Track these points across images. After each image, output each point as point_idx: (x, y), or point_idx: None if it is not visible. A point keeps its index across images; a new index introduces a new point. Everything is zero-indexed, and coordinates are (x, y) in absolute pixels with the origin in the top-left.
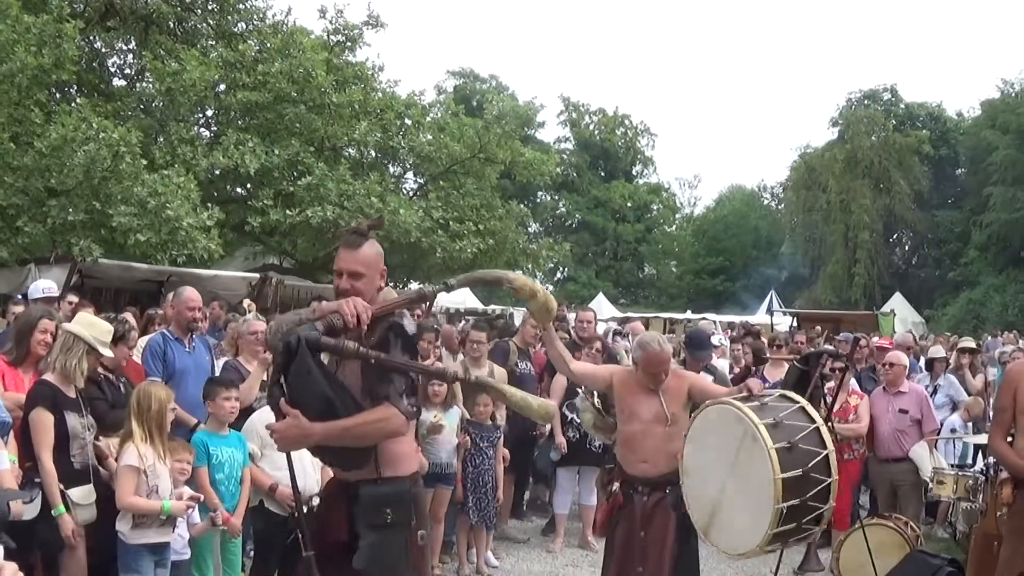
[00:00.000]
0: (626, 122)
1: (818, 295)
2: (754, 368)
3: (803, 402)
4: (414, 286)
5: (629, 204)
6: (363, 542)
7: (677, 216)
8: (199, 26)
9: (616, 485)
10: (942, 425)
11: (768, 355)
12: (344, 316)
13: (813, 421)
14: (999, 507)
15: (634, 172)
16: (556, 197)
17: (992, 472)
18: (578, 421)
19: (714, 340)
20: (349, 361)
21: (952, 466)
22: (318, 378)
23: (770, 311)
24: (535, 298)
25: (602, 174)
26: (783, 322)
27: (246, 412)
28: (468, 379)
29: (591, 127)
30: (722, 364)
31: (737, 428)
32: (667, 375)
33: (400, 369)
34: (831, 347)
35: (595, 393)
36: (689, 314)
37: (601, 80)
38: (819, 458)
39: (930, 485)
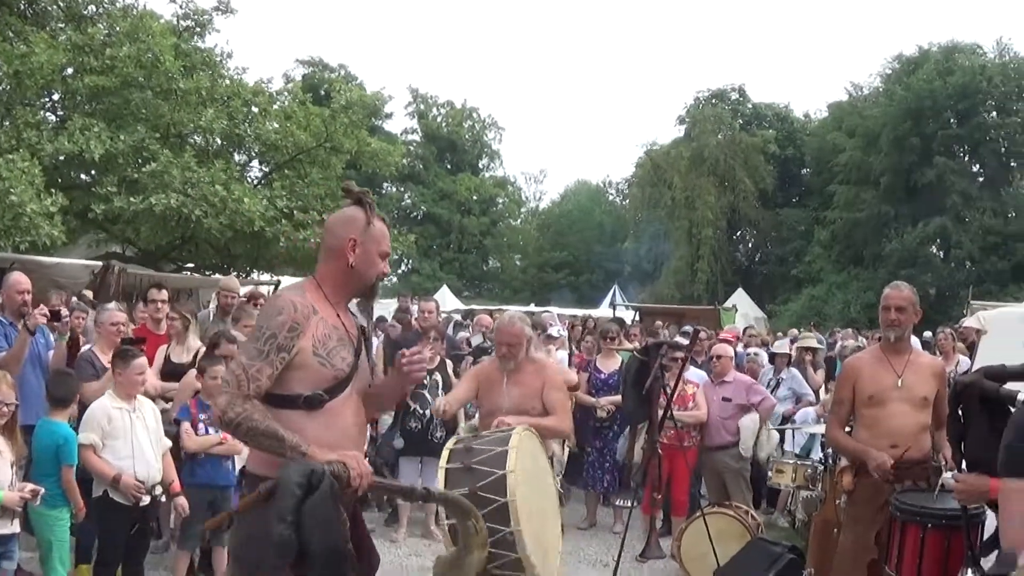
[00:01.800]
0: (474, 115)
1: (661, 290)
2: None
3: (511, 446)
4: (258, 276)
5: (475, 197)
6: None
7: (522, 210)
8: (49, 8)
9: None
10: (794, 417)
11: (602, 346)
12: (352, 476)
13: (505, 495)
14: (838, 495)
15: (480, 165)
16: (402, 188)
17: (831, 461)
18: (421, 411)
19: (553, 332)
20: None
21: (795, 456)
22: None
23: (613, 305)
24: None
25: (448, 166)
26: (626, 316)
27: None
28: (434, 497)
29: (439, 119)
30: (561, 355)
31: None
32: (521, 354)
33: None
34: (674, 339)
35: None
36: (532, 307)
37: (450, 73)
38: (493, 506)
39: (768, 472)
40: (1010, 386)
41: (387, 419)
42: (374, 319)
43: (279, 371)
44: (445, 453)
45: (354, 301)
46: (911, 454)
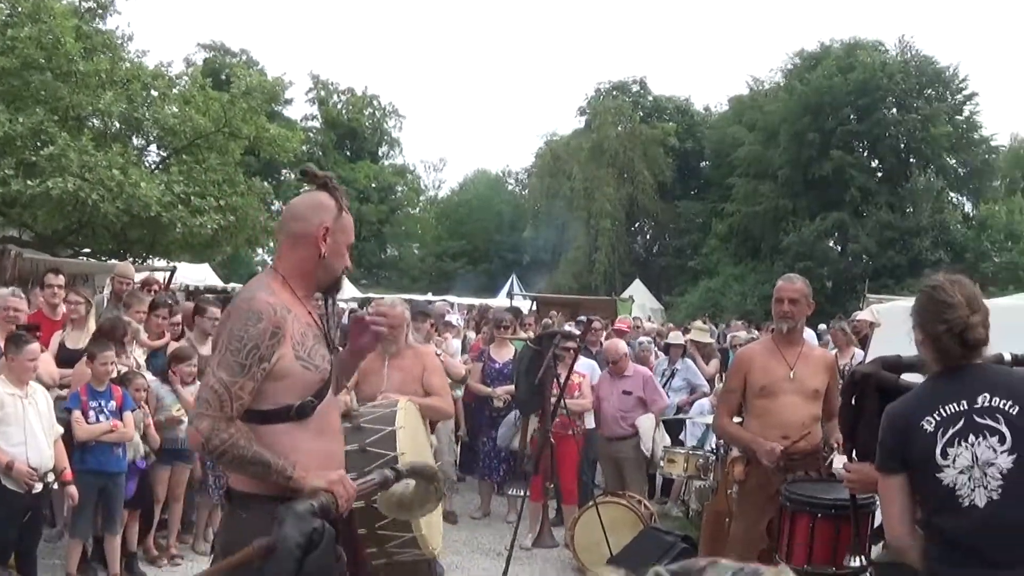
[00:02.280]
0: (374, 103)
1: (559, 280)
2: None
3: (398, 426)
4: (154, 262)
5: (374, 185)
6: None
7: (421, 198)
8: None
9: None
10: (690, 407)
11: (496, 335)
12: (340, 504)
13: (395, 449)
14: (729, 485)
15: (380, 153)
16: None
17: (723, 451)
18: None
19: (451, 320)
20: None
21: (690, 447)
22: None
23: (510, 294)
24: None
25: (348, 154)
26: (523, 305)
27: None
28: (404, 475)
29: (339, 106)
30: (455, 344)
31: None
32: (402, 338)
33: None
34: (567, 329)
35: None
36: (430, 296)
37: (352, 60)
38: (382, 460)
39: (660, 463)
40: (906, 377)
41: None
42: None
43: (259, 384)
44: None
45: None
46: (801, 445)
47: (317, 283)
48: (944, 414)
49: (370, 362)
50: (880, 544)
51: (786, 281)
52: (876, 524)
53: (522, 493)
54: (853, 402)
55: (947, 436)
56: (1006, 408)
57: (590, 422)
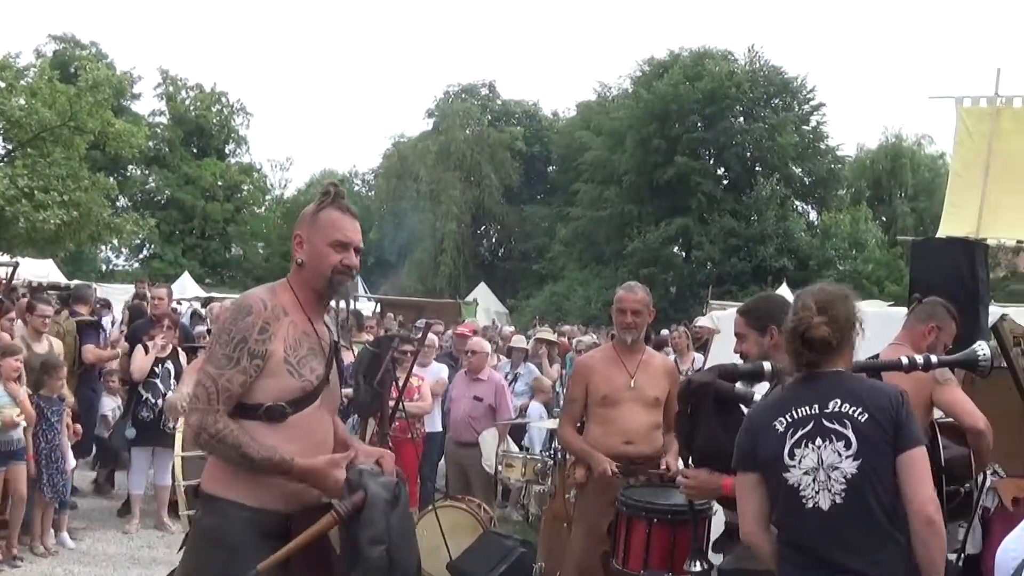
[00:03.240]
0: (222, 99)
1: (404, 282)
2: None
3: None
4: None
5: (220, 183)
6: None
7: (267, 197)
8: None
9: None
10: (526, 411)
11: None
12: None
13: None
14: (567, 489)
15: (227, 151)
16: (147, 172)
17: (560, 456)
18: (153, 401)
19: None
20: None
21: (523, 449)
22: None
23: (355, 296)
24: None
25: (195, 151)
26: (367, 307)
27: None
28: None
29: (187, 102)
30: None
31: None
32: None
33: None
34: (403, 332)
35: None
36: None
37: (201, 55)
38: None
39: (499, 467)
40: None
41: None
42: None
43: (253, 379)
44: (179, 439)
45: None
46: (643, 451)
47: (313, 288)
48: (795, 416)
49: None
50: (723, 551)
51: (627, 291)
52: (720, 531)
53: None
54: (689, 410)
55: (795, 437)
56: (854, 415)
57: (430, 426)
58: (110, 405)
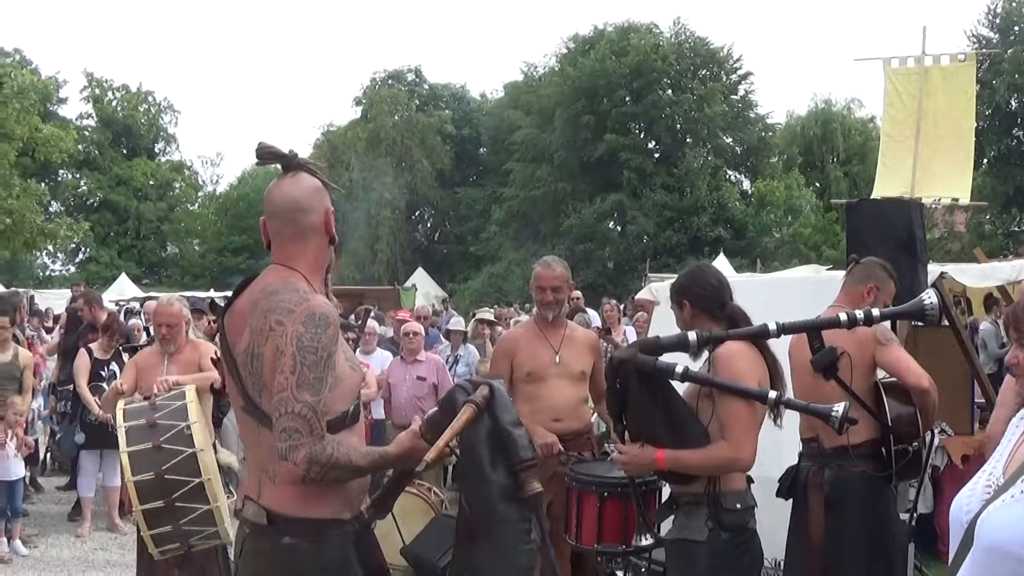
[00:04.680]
0: (149, 99)
1: (341, 272)
2: None
3: (188, 400)
4: None
5: (151, 182)
6: None
7: (199, 194)
8: None
9: None
10: None
11: None
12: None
13: (187, 418)
14: None
15: (157, 150)
16: (78, 175)
17: None
18: (100, 404)
19: None
20: None
21: None
22: None
23: None
24: None
25: (124, 151)
26: None
27: None
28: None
29: (114, 103)
30: None
31: None
32: (181, 336)
33: None
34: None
35: None
36: (212, 293)
37: (126, 56)
38: (181, 457)
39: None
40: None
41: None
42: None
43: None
44: (120, 414)
45: None
46: (572, 426)
47: (325, 271)
48: None
49: (148, 359)
50: (670, 520)
51: (545, 268)
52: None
53: None
54: (618, 386)
55: None
56: None
57: (376, 412)
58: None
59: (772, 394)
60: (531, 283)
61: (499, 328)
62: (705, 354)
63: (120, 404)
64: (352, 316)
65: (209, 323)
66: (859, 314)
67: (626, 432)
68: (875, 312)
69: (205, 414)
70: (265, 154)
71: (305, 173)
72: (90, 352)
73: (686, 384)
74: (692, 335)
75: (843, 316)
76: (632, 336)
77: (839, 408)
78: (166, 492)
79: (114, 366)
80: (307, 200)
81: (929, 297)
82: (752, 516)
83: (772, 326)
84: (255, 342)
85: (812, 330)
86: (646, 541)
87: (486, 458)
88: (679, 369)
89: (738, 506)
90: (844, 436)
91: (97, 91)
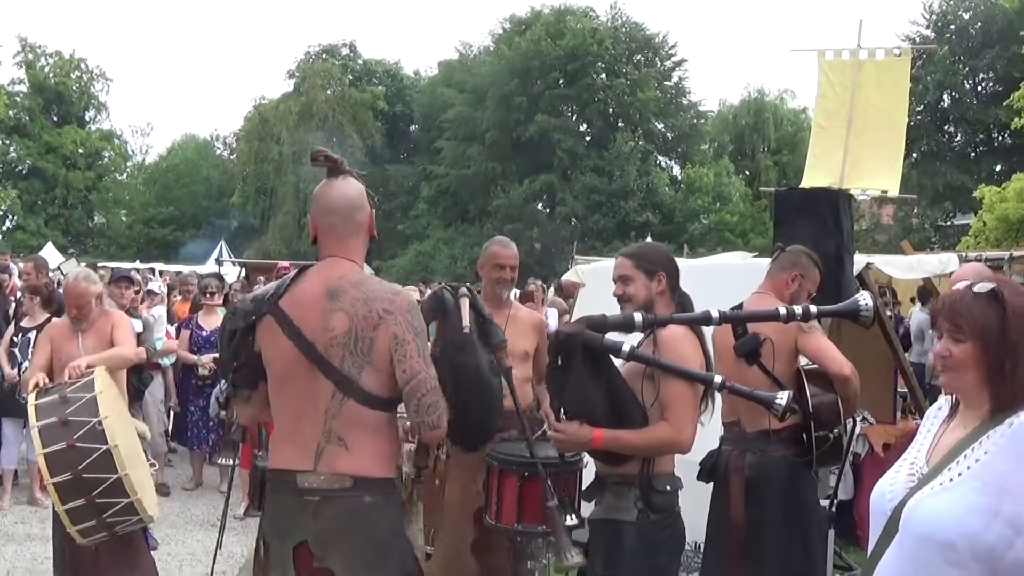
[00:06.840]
0: (82, 66)
1: (268, 246)
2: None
3: (97, 391)
4: None
5: (80, 151)
6: None
7: (128, 164)
8: None
9: None
10: None
11: (203, 302)
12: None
13: (97, 413)
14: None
15: (87, 118)
16: (8, 141)
17: None
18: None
19: (153, 288)
20: None
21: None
22: None
23: (219, 261)
24: None
25: (55, 119)
26: (232, 272)
27: None
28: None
29: (47, 69)
30: (159, 311)
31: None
32: (92, 313)
33: None
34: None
35: None
36: (138, 264)
37: (59, 21)
38: (96, 455)
39: None
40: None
41: None
42: None
43: None
44: (32, 410)
45: None
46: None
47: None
48: None
49: (61, 333)
50: (593, 501)
51: (503, 247)
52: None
53: (232, 462)
54: (559, 362)
55: None
56: None
57: None
58: None
59: (718, 379)
60: (482, 262)
61: None
62: (639, 335)
63: (31, 398)
64: None
65: (135, 293)
66: (797, 309)
67: (562, 409)
68: (812, 309)
69: (120, 388)
70: (320, 158)
71: (352, 178)
72: (8, 321)
73: (622, 364)
74: (638, 316)
75: (782, 310)
76: (553, 319)
77: (783, 397)
78: (86, 491)
79: (32, 334)
80: (360, 200)
81: (864, 299)
82: (678, 499)
83: (715, 314)
84: (358, 326)
85: (752, 321)
86: (570, 521)
87: (477, 338)
88: (626, 348)
89: (668, 488)
90: (765, 421)
91: (30, 56)
